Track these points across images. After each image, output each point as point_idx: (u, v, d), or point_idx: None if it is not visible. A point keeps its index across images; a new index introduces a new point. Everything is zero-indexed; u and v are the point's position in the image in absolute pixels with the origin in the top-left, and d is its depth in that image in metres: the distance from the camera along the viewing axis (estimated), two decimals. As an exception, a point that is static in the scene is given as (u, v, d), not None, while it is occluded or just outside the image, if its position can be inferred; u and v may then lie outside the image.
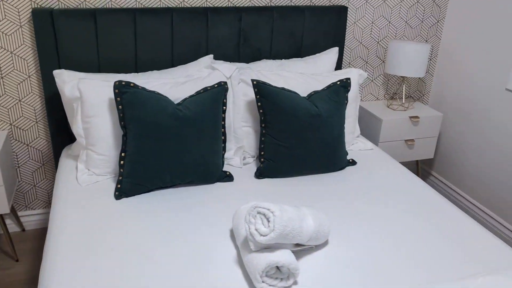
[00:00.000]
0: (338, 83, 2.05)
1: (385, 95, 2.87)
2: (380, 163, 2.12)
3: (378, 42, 2.70)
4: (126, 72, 2.16)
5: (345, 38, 2.61)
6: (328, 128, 1.94)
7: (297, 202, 1.75)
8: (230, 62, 2.29)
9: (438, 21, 2.78)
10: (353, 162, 2.09)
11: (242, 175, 1.96)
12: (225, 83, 1.91)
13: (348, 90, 2.06)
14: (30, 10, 2.03)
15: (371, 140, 2.67)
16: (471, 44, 2.60)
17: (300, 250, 1.43)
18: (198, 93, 1.86)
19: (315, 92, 2.03)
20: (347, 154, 2.09)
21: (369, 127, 2.67)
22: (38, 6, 2.04)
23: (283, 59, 2.36)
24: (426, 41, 2.81)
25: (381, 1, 2.60)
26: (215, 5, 2.30)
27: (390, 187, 1.90)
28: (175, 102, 1.83)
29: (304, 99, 1.96)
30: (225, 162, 2.03)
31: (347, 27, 2.59)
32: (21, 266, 2.19)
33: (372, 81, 2.80)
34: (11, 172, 2.16)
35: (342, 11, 2.46)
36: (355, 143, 2.28)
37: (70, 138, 2.18)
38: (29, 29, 2.06)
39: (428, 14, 2.74)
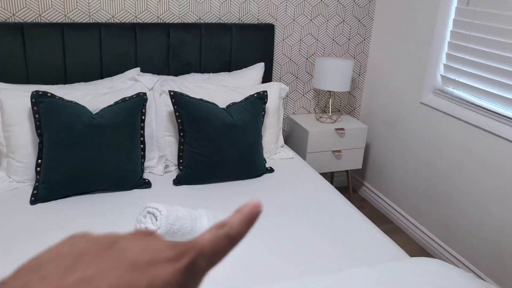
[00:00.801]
0: (255, 95, 2.17)
1: (315, 109, 3.02)
2: (297, 171, 2.24)
3: (307, 59, 2.86)
4: (54, 84, 2.24)
5: (274, 54, 2.76)
6: (243, 137, 2.05)
7: (212, 207, 1.84)
8: (159, 75, 2.39)
9: (364, 39, 2.96)
10: (271, 170, 2.21)
11: (162, 183, 2.04)
12: (144, 93, 2.01)
13: (265, 102, 2.19)
14: (-43, 23, 2.10)
15: (299, 151, 2.80)
16: (393, 61, 2.79)
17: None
18: (116, 103, 1.96)
19: (233, 104, 2.15)
20: (265, 162, 2.20)
21: (298, 139, 2.81)
22: (-35, 20, 2.11)
23: (211, 73, 2.48)
24: (354, 57, 2.98)
25: (307, 20, 2.76)
26: (144, 21, 2.41)
27: (300, 192, 2.02)
28: (94, 112, 1.92)
29: (221, 110, 2.07)
30: (147, 170, 2.11)
31: (275, 44, 2.74)
32: None
33: (303, 95, 2.95)
34: None
35: (269, 28, 2.61)
36: (277, 152, 2.40)
37: (-2, 148, 2.23)
38: (-44, 41, 2.13)
39: (355, 33, 2.92)
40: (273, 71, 2.80)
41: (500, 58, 2.09)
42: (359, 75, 3.05)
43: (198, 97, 2.15)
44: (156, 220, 1.37)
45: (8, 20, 2.18)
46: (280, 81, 2.84)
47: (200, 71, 2.52)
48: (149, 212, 1.39)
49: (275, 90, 2.35)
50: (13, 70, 2.16)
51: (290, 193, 2.01)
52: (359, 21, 2.90)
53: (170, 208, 1.39)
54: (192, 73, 2.45)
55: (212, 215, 1.53)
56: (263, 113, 2.20)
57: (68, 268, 0.26)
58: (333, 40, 2.88)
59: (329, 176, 3.24)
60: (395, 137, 2.83)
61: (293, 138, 2.88)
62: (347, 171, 3.00)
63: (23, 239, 1.57)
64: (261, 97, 2.18)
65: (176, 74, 2.46)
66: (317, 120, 2.87)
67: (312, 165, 2.76)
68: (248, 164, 2.09)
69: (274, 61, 2.78)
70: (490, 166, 2.16)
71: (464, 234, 2.35)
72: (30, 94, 1.91)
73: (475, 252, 2.29)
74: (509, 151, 2.05)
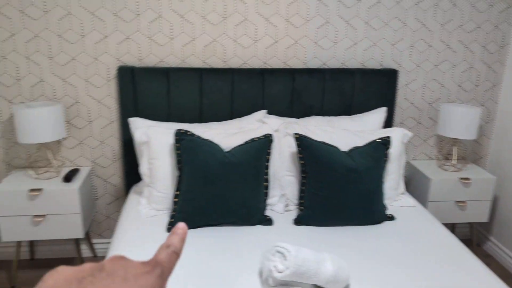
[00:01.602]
0: (378, 140, 2.18)
1: (438, 155, 2.91)
2: (419, 220, 2.17)
3: (430, 104, 2.80)
4: (191, 122, 2.48)
5: (396, 99, 2.74)
6: (364, 182, 2.07)
7: (331, 251, 1.87)
8: (283, 117, 2.52)
9: (494, 86, 2.82)
10: (391, 217, 2.17)
11: (282, 221, 2.12)
12: (270, 135, 2.14)
13: (388, 148, 2.18)
14: (117, 67, 2.45)
15: (420, 199, 2.71)
16: (527, 109, 2.60)
17: (319, 291, 1.55)
18: (246, 142, 2.11)
19: (355, 148, 2.18)
20: (385, 208, 2.17)
21: (419, 186, 2.72)
22: (123, 65, 2.45)
23: (332, 116, 2.55)
24: (482, 104, 2.85)
25: (432, 66, 2.72)
26: (272, 67, 2.58)
27: (424, 244, 1.95)
28: (225, 150, 2.08)
29: (343, 154, 2.11)
30: (268, 208, 2.21)
31: (398, 88, 2.73)
32: (88, 286, 2.48)
33: (424, 141, 2.87)
34: (89, 203, 2.52)
35: (392, 74, 2.62)
36: (398, 199, 2.35)
37: (139, 177, 2.51)
38: (114, 83, 2.47)
39: (483, 79, 2.79)
40: (395, 116, 2.78)
41: None
42: (486, 122, 2.90)
43: (320, 139, 2.22)
44: (285, 260, 1.43)
45: (157, 65, 2.48)
46: (401, 126, 2.81)
47: (322, 114, 2.60)
48: (278, 251, 1.47)
49: (397, 136, 2.34)
50: (158, 109, 2.44)
51: (411, 243, 1.95)
52: (489, 66, 2.78)
53: (298, 249, 1.45)
54: (314, 116, 2.54)
55: (336, 261, 1.56)
56: (385, 158, 2.19)
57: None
58: (459, 86, 2.79)
59: (450, 227, 3.07)
60: (528, 190, 2.61)
61: (413, 184, 2.80)
62: (471, 223, 2.82)
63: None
64: (384, 142, 2.18)
65: (298, 116, 2.57)
66: (439, 167, 2.76)
67: (433, 215, 2.65)
68: (369, 210, 2.08)
69: (396, 106, 2.77)
70: None
71: None
72: (172, 131, 2.15)
73: None
74: None
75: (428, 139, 2.88)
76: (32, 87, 2.43)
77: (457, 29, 2.67)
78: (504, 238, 2.82)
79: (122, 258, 0.41)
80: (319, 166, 2.07)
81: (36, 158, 2.53)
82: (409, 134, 2.40)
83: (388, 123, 2.69)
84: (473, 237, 2.84)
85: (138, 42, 2.43)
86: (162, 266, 0.42)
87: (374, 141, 2.19)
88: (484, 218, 2.72)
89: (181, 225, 0.47)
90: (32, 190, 2.25)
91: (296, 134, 2.13)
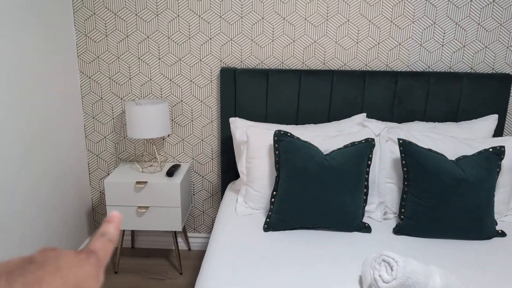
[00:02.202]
0: (490, 149, 2.02)
1: None
2: (534, 239, 1.98)
3: (549, 112, 2.55)
4: (287, 123, 2.49)
5: (509, 106, 2.53)
6: (474, 194, 1.93)
7: (435, 264, 1.77)
8: (383, 121, 2.44)
9: None
10: (502, 234, 2.01)
11: (381, 229, 2.05)
12: (372, 139, 2.07)
13: (502, 158, 2.02)
14: (219, 69, 2.53)
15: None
16: None
17: (424, 306, 1.47)
18: (346, 146, 2.06)
19: (464, 157, 2.04)
20: (496, 224, 2.01)
21: None
22: (226, 66, 2.52)
23: (436, 122, 2.42)
24: None
25: (554, 70, 2.47)
26: (374, 69, 2.50)
27: (542, 265, 1.77)
28: (325, 153, 2.06)
29: (451, 162, 1.99)
30: (366, 215, 2.15)
31: (511, 95, 2.52)
32: (183, 279, 2.60)
33: (540, 152, 2.61)
34: (187, 198, 2.63)
35: (505, 79, 2.42)
36: (509, 214, 2.17)
37: (235, 175, 2.57)
38: (216, 84, 2.55)
39: None
40: (505, 124, 2.57)
41: None
42: None
43: (424, 146, 2.12)
44: (392, 270, 1.38)
45: (257, 67, 2.53)
46: (512, 135, 2.59)
47: (424, 120, 2.48)
48: (384, 261, 1.42)
49: (511, 146, 2.15)
50: (256, 109, 2.48)
51: (528, 263, 1.78)
52: None
53: (406, 261, 1.38)
54: (416, 121, 2.42)
55: (445, 275, 1.47)
56: (498, 170, 2.03)
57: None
58: None
59: None
60: None
61: None
62: None
63: (257, 260, 1.75)
64: (498, 152, 2.02)
65: (399, 121, 2.47)
66: None
67: None
68: (477, 224, 1.94)
69: (507, 114, 2.55)
70: None
71: None
72: (271, 132, 2.17)
73: None
74: None
75: (545, 151, 2.62)
76: (142, 86, 2.59)
77: None
78: None
79: (53, 249, 0.40)
80: (423, 174, 1.97)
81: (142, 152, 2.70)
82: (525, 144, 2.20)
83: (499, 132, 2.49)
84: None
85: (240, 44, 2.49)
86: (97, 254, 0.42)
87: (486, 150, 2.03)
88: None
89: (116, 214, 0.47)
90: (138, 182, 2.39)
91: (399, 139, 2.04)
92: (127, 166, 2.63)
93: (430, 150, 2.04)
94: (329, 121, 2.49)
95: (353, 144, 2.07)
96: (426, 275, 1.41)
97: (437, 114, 2.48)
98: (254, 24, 2.45)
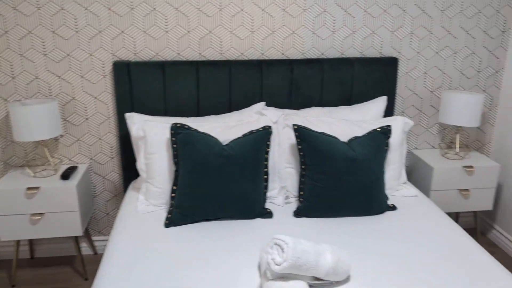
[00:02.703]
0: (378, 129, 2.14)
1: (440, 144, 2.87)
2: (421, 210, 2.13)
3: (432, 92, 2.75)
4: (188, 116, 2.45)
5: (397, 87, 2.70)
6: (365, 172, 2.03)
7: (332, 242, 1.84)
8: (282, 108, 2.49)
9: (496, 72, 2.77)
10: (393, 207, 2.14)
11: (283, 213, 2.09)
12: (269, 127, 2.10)
13: (388, 137, 2.15)
14: (112, 62, 2.42)
15: (422, 188, 2.67)
16: (531, 95, 2.55)
17: (319, 284, 1.52)
18: (244, 135, 2.07)
19: (355, 138, 2.14)
20: (387, 198, 2.14)
21: (422, 175, 2.68)
22: (118, 60, 2.42)
23: (331, 107, 2.51)
24: (484, 91, 2.79)
25: (433, 53, 2.67)
26: (270, 58, 2.54)
27: (426, 233, 1.91)
28: (224, 143, 2.05)
29: (343, 144, 2.07)
30: (268, 200, 2.18)
31: (398, 77, 2.69)
32: (89, 284, 2.47)
33: (427, 129, 2.83)
34: (87, 201, 2.49)
35: (392, 62, 2.57)
36: (400, 189, 2.32)
37: (137, 173, 2.49)
38: (110, 78, 2.44)
39: (485, 65, 2.74)
40: (395, 105, 2.74)
41: None
42: (490, 109, 2.85)
43: (319, 130, 2.19)
44: (283, 252, 1.40)
45: (152, 59, 2.45)
46: (402, 115, 2.77)
47: (321, 105, 2.56)
48: (276, 244, 1.44)
49: (398, 125, 2.29)
50: (154, 103, 2.41)
51: (414, 233, 1.92)
52: (491, 52, 2.72)
53: (296, 241, 1.41)
54: (313, 107, 2.50)
55: (336, 252, 1.53)
56: (386, 148, 2.15)
57: None
58: (461, 72, 2.74)
59: (454, 216, 3.03)
60: (533, 177, 2.56)
61: (416, 174, 2.76)
62: (474, 212, 2.78)
63: (157, 258, 1.71)
64: (385, 132, 2.14)
65: (298, 107, 2.53)
66: (442, 156, 2.72)
67: (436, 204, 2.61)
68: (370, 200, 2.05)
69: (396, 95, 2.72)
70: None
71: None
72: (168, 125, 2.12)
73: None
74: None
75: (430, 128, 2.83)
76: (28, 85, 2.40)
77: (457, 14, 2.62)
78: (509, 226, 2.78)
79: None
80: (318, 157, 2.03)
81: (33, 156, 2.51)
82: (410, 122, 2.36)
83: (389, 113, 2.65)
84: (477, 226, 2.80)
85: (133, 36, 2.40)
86: None
87: (374, 130, 2.15)
88: (488, 207, 2.68)
89: None
90: (29, 188, 2.23)
91: (295, 125, 2.09)
92: (18, 172, 2.44)
93: (323, 133, 2.11)
94: (230, 111, 2.49)
95: (251, 132, 2.08)
96: (317, 253, 1.46)
97: (332, 99, 2.57)
98: (146, 15, 2.37)
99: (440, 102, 2.63)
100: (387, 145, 2.15)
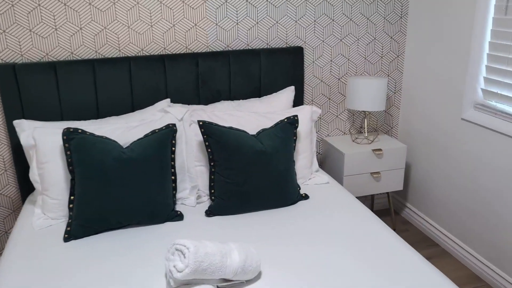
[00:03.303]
0: (286, 120, 2.12)
1: (351, 130, 2.93)
2: (332, 196, 2.15)
3: (339, 79, 2.79)
4: (87, 119, 2.27)
5: (304, 76, 2.70)
6: (274, 164, 2.00)
7: (244, 239, 1.79)
8: (190, 104, 2.39)
9: (398, 56, 2.87)
10: (305, 197, 2.13)
11: (195, 214, 2.01)
12: (174, 125, 2.00)
13: (296, 127, 2.13)
14: (-5, 66, 2.18)
15: (336, 174, 2.71)
16: (430, 77, 2.67)
17: (228, 285, 1.45)
18: (146, 135, 1.95)
19: (263, 130, 2.10)
20: (299, 188, 2.13)
21: (334, 162, 2.72)
22: (2, 61, 2.18)
23: (240, 100, 2.46)
24: (388, 75, 2.89)
25: (337, 40, 2.70)
26: (173, 52, 2.43)
27: (337, 219, 1.92)
28: (125, 146, 1.92)
29: (251, 137, 2.02)
30: (180, 202, 2.08)
31: (305, 66, 2.69)
32: (-11, 312, 2.23)
33: (337, 116, 2.87)
34: (-21, 220, 2.24)
35: (298, 51, 2.57)
36: (312, 177, 2.32)
37: (35, 184, 2.27)
38: (-6, 83, 2.20)
39: (387, 50, 2.83)
40: (305, 94, 2.74)
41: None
42: (395, 93, 2.95)
43: (228, 125, 2.12)
44: (185, 257, 1.32)
45: (42, 60, 2.24)
46: (312, 103, 2.78)
47: (230, 99, 2.50)
48: (177, 249, 1.35)
49: (306, 113, 2.29)
50: (48, 108, 2.21)
51: (326, 220, 1.92)
52: (391, 38, 2.81)
53: (198, 244, 1.34)
54: (222, 101, 2.43)
55: (244, 249, 1.47)
56: (294, 138, 2.13)
57: None
58: (365, 58, 2.80)
59: (369, 199, 3.12)
60: (436, 155, 2.69)
61: (329, 161, 2.80)
62: (387, 193, 2.87)
63: (55, 278, 1.55)
64: (292, 122, 2.12)
65: (206, 102, 2.45)
66: (353, 141, 2.77)
67: (349, 189, 2.66)
68: (281, 192, 2.02)
69: (305, 84, 2.73)
70: (543, 184, 1.99)
71: (519, 258, 2.17)
72: (60, 131, 1.94)
73: (533, 278, 2.11)
74: None
75: (340, 114, 2.88)
76: None
77: (358, 1, 2.67)
78: (419, 203, 2.90)
79: None
80: (226, 152, 1.97)
81: None
82: (318, 111, 2.37)
83: (299, 102, 2.64)
84: (390, 206, 2.89)
85: (17, 36, 2.17)
86: None
87: (282, 121, 2.12)
88: (399, 187, 2.78)
89: None
90: None
91: (200, 121, 2.01)
92: None
93: (231, 128, 2.04)
94: (133, 111, 2.35)
95: (153, 132, 1.97)
96: (223, 254, 1.39)
97: (241, 92, 2.52)
98: (30, 12, 2.16)
99: (347, 88, 2.67)
100: (295, 135, 2.14)
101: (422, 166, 2.83)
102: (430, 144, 2.73)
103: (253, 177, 1.96)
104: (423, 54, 2.70)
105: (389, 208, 2.92)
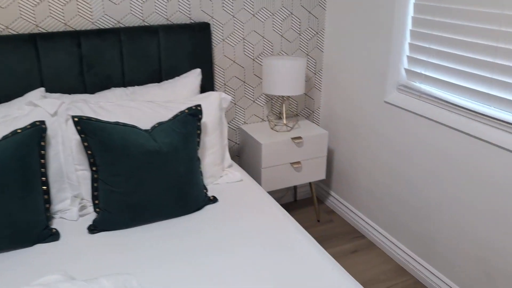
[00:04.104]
0: (186, 111, 1.78)
1: (269, 116, 2.65)
2: (245, 196, 1.87)
3: (253, 60, 2.48)
4: None
5: (214, 57, 2.37)
6: (172, 165, 1.66)
7: (136, 260, 1.46)
8: (72, 94, 1.98)
9: (317, 33, 2.61)
10: (214, 200, 1.83)
11: (76, 230, 1.63)
12: (42, 122, 1.60)
13: (199, 119, 1.80)
14: None
15: (254, 166, 2.44)
16: (352, 56, 2.44)
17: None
18: (4, 137, 1.54)
19: (159, 124, 1.75)
20: (205, 191, 1.82)
21: (252, 152, 2.44)
22: None
23: (136, 86, 2.08)
24: (307, 54, 2.62)
25: (249, 15, 2.38)
26: (47, 30, 1.99)
27: (245, 224, 1.65)
28: (-25, 152, 1.49)
29: (143, 134, 1.67)
30: (58, 216, 1.70)
31: (214, 45, 2.35)
32: None
33: (254, 101, 2.57)
34: None
35: (204, 28, 2.22)
36: (224, 175, 2.02)
37: None
38: None
39: (305, 26, 2.56)
40: (216, 77, 2.41)
41: (470, 46, 1.76)
42: (315, 73, 2.70)
43: (115, 118, 1.75)
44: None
45: None
46: (225, 88, 2.46)
47: (124, 85, 2.12)
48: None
49: (213, 101, 1.97)
50: None
51: (233, 226, 1.64)
52: (310, 12, 2.54)
53: (54, 287, 0.99)
54: (113, 88, 2.04)
55: (121, 283, 1.14)
56: (198, 132, 1.81)
57: None
58: (282, 36, 2.51)
59: (292, 189, 2.89)
60: (359, 141, 2.49)
61: (247, 152, 2.51)
62: (310, 183, 2.64)
63: None
64: (194, 113, 1.79)
65: (94, 90, 2.05)
66: (272, 129, 2.50)
67: (269, 182, 2.40)
68: (183, 198, 1.70)
69: (215, 66, 2.39)
70: (467, 171, 1.83)
71: (445, 249, 2.03)
72: None
73: (459, 271, 1.97)
74: (487, 152, 1.73)
75: (258, 99, 2.59)
76: None
77: (270, -29, 2.36)
78: (344, 192, 2.72)
79: None
80: (110, 154, 1.60)
81: None
82: (228, 97, 2.05)
83: (209, 87, 2.31)
84: (313, 197, 2.68)
85: None
86: None
87: (182, 112, 1.78)
88: (321, 176, 2.56)
89: None
90: None
91: (75, 117, 1.62)
92: None
93: (117, 123, 1.67)
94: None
95: (14, 133, 1.55)
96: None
97: (138, 76, 2.14)
98: None
99: (262, 71, 2.38)
100: (199, 128, 1.81)
101: (345, 152, 2.63)
102: (353, 129, 2.53)
103: (145, 184, 1.62)
104: (344, 31, 2.46)
105: (312, 199, 2.70)
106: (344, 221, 2.72)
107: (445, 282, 2.05)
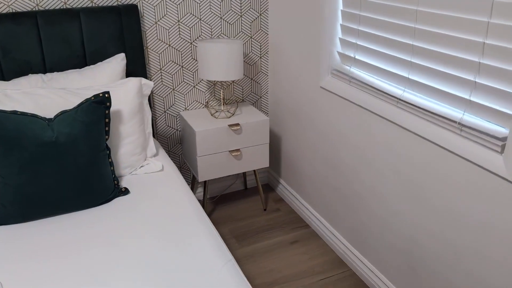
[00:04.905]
0: (92, 99, 1.70)
1: (209, 102, 2.56)
2: (161, 186, 1.80)
3: (191, 43, 2.38)
4: None
5: (147, 41, 2.27)
6: (71, 156, 1.59)
7: (25, 258, 1.39)
8: (-14, 81, 1.90)
9: (260, 14, 2.49)
10: (125, 192, 1.75)
11: (-26, 224, 1.58)
12: None
13: (107, 107, 1.72)
14: None
15: (191, 154, 2.36)
16: (292, 38, 2.33)
17: None
18: None
19: (62, 113, 1.67)
20: (115, 182, 1.75)
21: (190, 141, 2.36)
22: None
23: (55, 72, 1.99)
24: (251, 37, 2.52)
25: (183, -4, 2.28)
26: (-43, 14, 1.90)
27: (149, 217, 1.58)
28: None
29: (42, 123, 1.59)
30: (-42, 208, 1.64)
31: (147, 28, 2.25)
32: None
33: (194, 87, 2.48)
34: None
35: (131, 11, 2.12)
36: (145, 165, 1.94)
37: None
38: None
39: (247, 7, 2.44)
40: (151, 62, 2.32)
41: (393, 28, 1.65)
42: (261, 57, 2.59)
43: (22, 107, 1.67)
44: None
45: None
46: (161, 72, 2.36)
47: (45, 71, 2.03)
48: None
49: (132, 88, 1.88)
50: None
51: (133, 220, 1.57)
52: (251, -8, 2.43)
53: None
54: (30, 75, 1.95)
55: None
56: (107, 120, 1.73)
57: None
58: (221, 18, 2.40)
59: (242, 176, 2.81)
60: (299, 128, 2.40)
61: (185, 139, 2.44)
62: (254, 171, 2.56)
63: None
64: (100, 101, 1.70)
65: (11, 77, 1.97)
66: (212, 115, 2.41)
67: (206, 170, 2.33)
68: (86, 190, 1.63)
69: (149, 50, 2.30)
70: (390, 160, 1.74)
71: (375, 241, 1.95)
72: None
73: (387, 263, 1.90)
74: (406, 140, 1.63)
75: (198, 84, 2.49)
76: None
77: (203, -51, 2.24)
78: (290, 180, 2.64)
79: None
80: (3, 146, 1.53)
81: None
82: (150, 83, 1.97)
83: (142, 72, 2.22)
84: (258, 185, 2.60)
85: None
86: None
87: (88, 100, 1.70)
88: (265, 164, 2.48)
89: None
90: None
91: (-35, 106, 1.54)
92: None
93: (15, 112, 1.60)
94: None
95: None
96: None
97: (61, 62, 2.05)
98: None
99: (197, 55, 2.28)
100: (107, 116, 1.73)
101: (290, 139, 2.54)
102: (294, 115, 2.43)
103: (40, 176, 1.55)
104: (287, 11, 2.34)
105: (257, 187, 2.62)
106: (292, 209, 2.64)
107: (376, 275, 1.98)
